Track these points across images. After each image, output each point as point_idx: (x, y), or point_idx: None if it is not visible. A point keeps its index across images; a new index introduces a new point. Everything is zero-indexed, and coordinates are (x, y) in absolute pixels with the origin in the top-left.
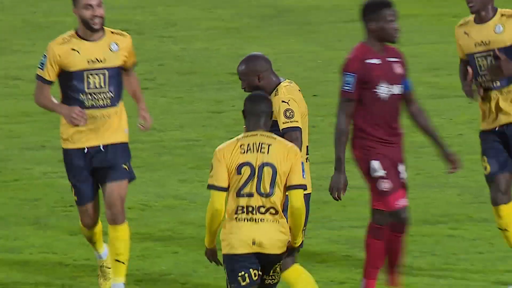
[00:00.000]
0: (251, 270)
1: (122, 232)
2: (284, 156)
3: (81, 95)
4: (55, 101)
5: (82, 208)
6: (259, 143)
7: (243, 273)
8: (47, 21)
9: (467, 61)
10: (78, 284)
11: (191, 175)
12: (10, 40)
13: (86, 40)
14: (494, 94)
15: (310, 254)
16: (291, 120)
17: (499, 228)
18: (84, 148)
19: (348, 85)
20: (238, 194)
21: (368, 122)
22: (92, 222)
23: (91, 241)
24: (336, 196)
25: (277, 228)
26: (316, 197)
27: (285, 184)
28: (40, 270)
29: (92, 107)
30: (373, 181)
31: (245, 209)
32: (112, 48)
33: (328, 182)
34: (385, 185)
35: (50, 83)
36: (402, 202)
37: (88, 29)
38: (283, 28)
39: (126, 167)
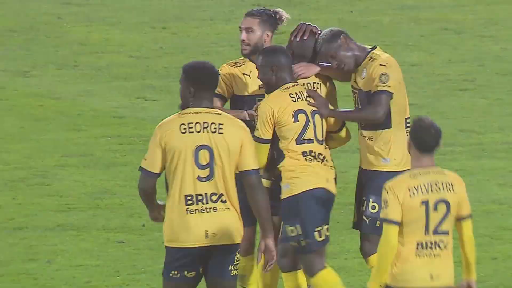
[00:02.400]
0: (325, 226)
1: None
2: None
3: (252, 122)
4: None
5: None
6: (303, 91)
7: (320, 228)
8: (364, 20)
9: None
10: None
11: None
12: None
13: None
14: (364, 132)
15: None
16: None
17: None
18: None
19: None
20: (299, 141)
21: None
22: None
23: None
24: None
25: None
26: None
27: None
28: (355, 275)
29: None
30: None
31: (308, 154)
32: None
33: None
34: None
35: (225, 99)
36: None
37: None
38: None
39: None
